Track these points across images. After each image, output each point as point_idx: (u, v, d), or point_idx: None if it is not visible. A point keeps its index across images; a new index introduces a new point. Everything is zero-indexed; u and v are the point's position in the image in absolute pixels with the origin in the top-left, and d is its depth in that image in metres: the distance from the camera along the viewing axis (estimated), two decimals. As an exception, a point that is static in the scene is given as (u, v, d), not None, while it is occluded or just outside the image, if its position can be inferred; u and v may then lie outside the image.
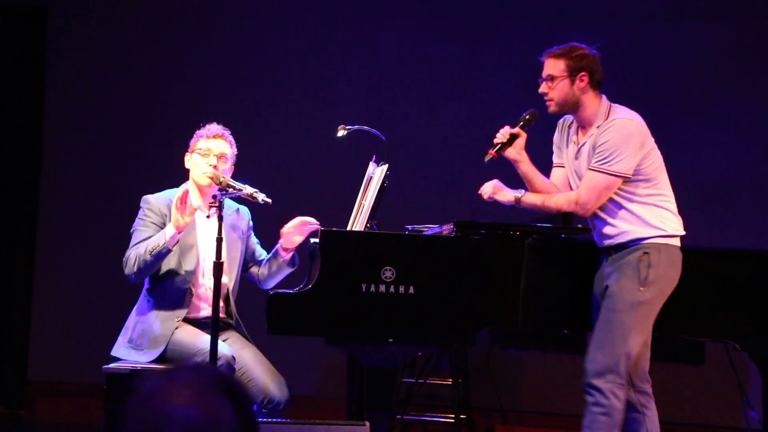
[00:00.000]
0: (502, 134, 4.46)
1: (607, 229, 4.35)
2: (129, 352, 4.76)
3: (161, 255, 4.63)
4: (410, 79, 6.74)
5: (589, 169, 4.28)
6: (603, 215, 4.36)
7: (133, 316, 4.85)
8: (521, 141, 4.46)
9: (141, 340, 4.75)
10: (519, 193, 4.40)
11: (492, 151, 4.45)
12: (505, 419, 6.44)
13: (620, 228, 4.31)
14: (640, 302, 4.24)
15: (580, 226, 4.56)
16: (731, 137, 6.21)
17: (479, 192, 4.50)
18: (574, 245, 4.63)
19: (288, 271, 4.86)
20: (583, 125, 4.42)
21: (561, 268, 4.55)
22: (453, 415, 6.13)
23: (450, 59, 6.68)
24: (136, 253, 4.67)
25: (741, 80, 6.27)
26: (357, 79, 6.79)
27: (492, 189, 4.44)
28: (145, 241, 4.70)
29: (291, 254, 4.81)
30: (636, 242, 4.29)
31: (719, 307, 4.53)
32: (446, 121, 6.67)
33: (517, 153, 4.47)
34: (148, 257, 4.62)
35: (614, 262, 4.32)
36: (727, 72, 6.29)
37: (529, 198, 4.39)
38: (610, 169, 4.25)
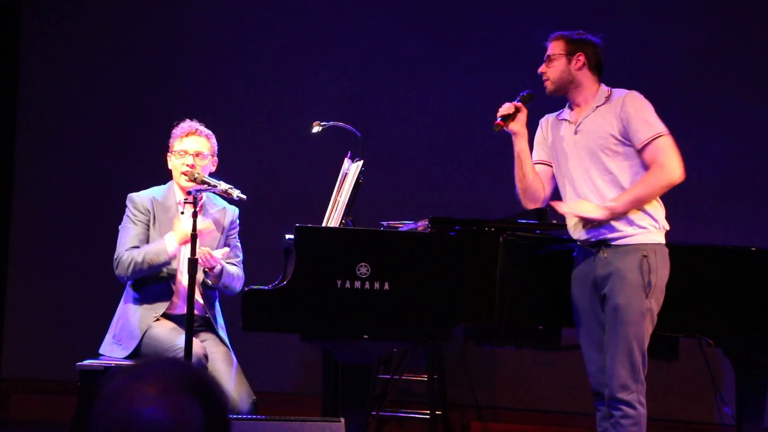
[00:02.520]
0: (507, 107, 4.46)
1: (602, 222, 4.29)
2: (113, 348, 4.78)
3: (159, 267, 4.67)
4: (385, 75, 6.74)
5: (645, 145, 4.24)
6: (607, 202, 4.30)
7: (117, 312, 4.87)
8: (523, 115, 4.47)
9: (121, 336, 4.77)
10: (608, 203, 4.27)
11: (500, 122, 4.45)
12: (481, 415, 6.45)
13: (620, 225, 4.28)
14: (648, 309, 4.25)
15: (555, 222, 4.55)
16: (712, 134, 6.23)
17: (572, 211, 4.35)
18: (548, 241, 4.64)
19: (221, 288, 4.79)
20: (578, 104, 4.43)
21: (535, 264, 4.55)
22: (428, 412, 6.13)
23: (425, 56, 6.68)
24: (133, 259, 4.70)
25: (726, 78, 6.30)
26: (332, 75, 6.78)
27: (584, 207, 4.32)
28: (136, 245, 4.74)
29: (216, 273, 4.71)
30: (634, 243, 4.29)
31: (693, 303, 4.54)
32: (421, 117, 6.68)
33: (519, 126, 4.46)
34: (145, 267, 4.68)
35: (609, 263, 4.28)
36: (713, 70, 6.32)
37: (620, 201, 4.27)
38: (661, 129, 4.27)
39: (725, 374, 5.68)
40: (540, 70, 4.47)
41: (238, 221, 4.97)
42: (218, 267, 4.68)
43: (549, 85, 4.45)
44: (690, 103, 6.27)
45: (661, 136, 4.26)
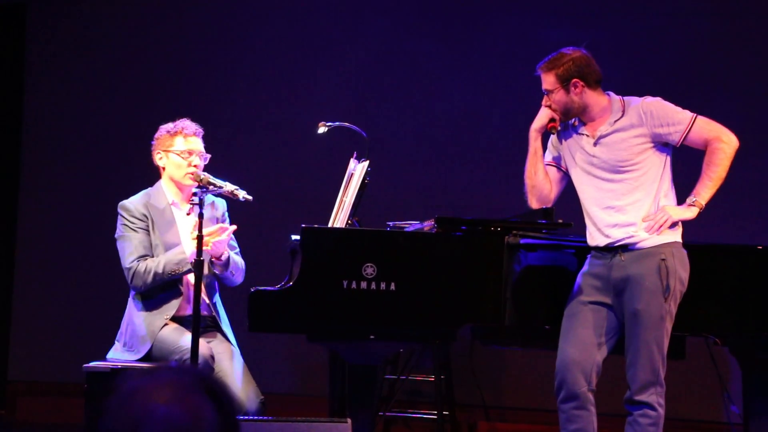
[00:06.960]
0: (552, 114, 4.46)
1: (623, 228, 4.29)
2: (123, 354, 4.77)
3: (179, 276, 4.69)
4: (391, 75, 6.74)
5: (687, 134, 4.31)
6: (627, 207, 4.32)
7: (124, 319, 4.85)
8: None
9: (132, 341, 4.76)
10: (691, 200, 4.34)
11: (555, 124, 4.45)
12: (488, 415, 6.45)
13: (638, 230, 4.29)
14: (668, 312, 4.27)
15: (561, 221, 4.53)
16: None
17: (655, 222, 4.30)
18: (554, 241, 4.63)
19: (228, 276, 4.81)
20: (592, 119, 4.39)
21: (541, 263, 4.55)
22: (435, 412, 6.13)
23: (431, 56, 6.68)
24: (152, 269, 4.69)
25: (727, 77, 6.29)
26: (338, 75, 6.78)
27: (671, 212, 4.32)
28: (143, 253, 4.73)
29: (223, 262, 4.75)
30: (651, 245, 4.29)
31: (700, 302, 4.53)
32: (427, 117, 6.68)
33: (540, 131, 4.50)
34: (166, 277, 4.68)
35: (625, 267, 4.29)
36: (712, 69, 6.31)
37: (703, 194, 4.33)
38: (690, 113, 4.35)
39: (732, 373, 5.67)
40: (544, 104, 4.42)
41: (227, 213, 4.99)
42: (225, 254, 4.69)
43: (560, 117, 4.42)
44: (689, 102, 6.25)
45: (696, 117, 4.34)
